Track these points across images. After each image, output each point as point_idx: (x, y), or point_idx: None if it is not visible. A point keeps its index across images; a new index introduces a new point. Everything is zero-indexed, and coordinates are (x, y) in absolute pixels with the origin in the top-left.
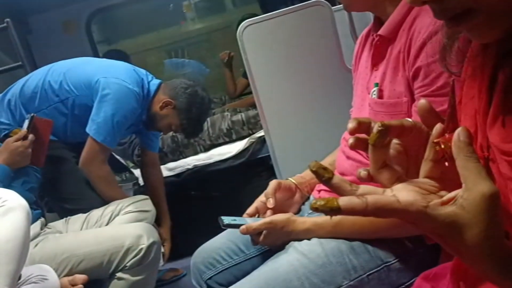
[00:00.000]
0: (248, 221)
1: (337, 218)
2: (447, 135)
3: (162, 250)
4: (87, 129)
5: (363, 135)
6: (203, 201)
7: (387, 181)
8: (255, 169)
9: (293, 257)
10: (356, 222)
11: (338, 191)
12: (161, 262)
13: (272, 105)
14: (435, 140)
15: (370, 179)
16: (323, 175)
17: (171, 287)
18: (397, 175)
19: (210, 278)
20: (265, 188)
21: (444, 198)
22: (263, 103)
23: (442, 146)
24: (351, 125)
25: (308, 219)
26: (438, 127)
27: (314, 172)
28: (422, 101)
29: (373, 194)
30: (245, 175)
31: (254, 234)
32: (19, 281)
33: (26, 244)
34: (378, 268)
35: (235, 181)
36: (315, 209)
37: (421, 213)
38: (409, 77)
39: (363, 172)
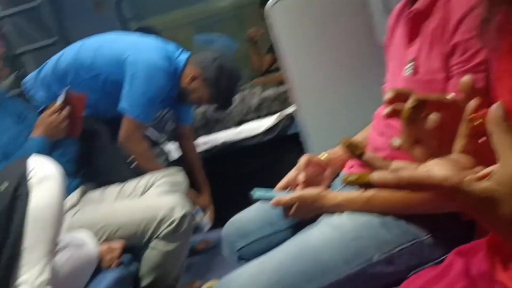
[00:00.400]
0: (279, 194)
1: (369, 194)
2: (482, 111)
3: (206, 216)
4: (121, 107)
5: (400, 105)
6: (232, 177)
7: (420, 157)
8: (284, 145)
9: (324, 230)
10: (389, 199)
11: (370, 166)
12: (207, 226)
13: (303, 82)
14: (470, 116)
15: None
16: (355, 151)
17: (203, 257)
18: (430, 151)
19: (241, 249)
20: (294, 164)
21: (479, 174)
22: (293, 79)
23: (478, 122)
24: (388, 94)
25: (339, 194)
26: (472, 102)
27: (346, 147)
28: (466, 77)
29: (407, 169)
30: (274, 151)
31: (285, 207)
32: (59, 246)
33: (62, 211)
34: (410, 243)
35: (264, 157)
36: (348, 183)
37: (455, 189)
38: (446, 53)
39: (397, 141)
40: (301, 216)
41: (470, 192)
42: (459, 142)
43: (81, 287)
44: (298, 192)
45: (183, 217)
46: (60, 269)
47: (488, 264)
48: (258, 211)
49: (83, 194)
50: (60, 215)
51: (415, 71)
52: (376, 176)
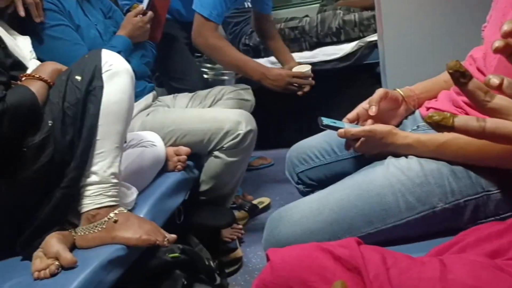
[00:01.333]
0: (347, 125)
1: (443, 138)
2: None
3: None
4: (193, 6)
5: None
6: (300, 99)
7: None
8: (359, 74)
9: (390, 172)
10: (463, 147)
11: (471, 98)
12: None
13: (393, 8)
14: None
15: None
16: (459, 78)
17: (259, 173)
18: None
19: (301, 172)
20: (366, 96)
21: None
22: (383, 3)
23: None
24: (507, 26)
25: (410, 135)
26: None
27: (451, 74)
28: None
29: (494, 119)
30: (348, 79)
31: (351, 139)
32: (131, 143)
33: (131, 107)
34: (477, 196)
35: (336, 84)
36: (429, 123)
37: None
38: None
39: (493, 80)
40: (367, 151)
41: None
42: None
43: (146, 183)
44: (369, 126)
45: (247, 133)
46: (130, 164)
47: None
48: (322, 139)
49: (156, 97)
50: (130, 110)
51: None
52: (461, 120)
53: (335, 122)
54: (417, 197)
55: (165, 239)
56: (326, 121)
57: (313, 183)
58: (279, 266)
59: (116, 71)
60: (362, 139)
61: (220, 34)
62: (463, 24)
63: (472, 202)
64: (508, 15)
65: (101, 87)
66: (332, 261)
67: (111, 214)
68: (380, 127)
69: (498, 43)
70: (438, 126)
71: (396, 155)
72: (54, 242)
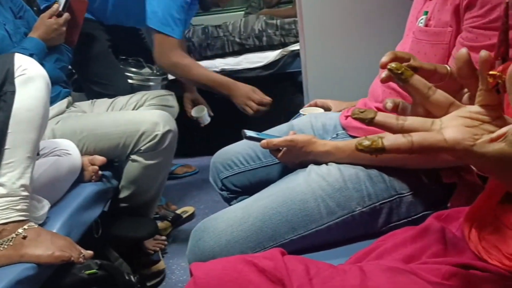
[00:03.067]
0: (270, 137)
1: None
2: (501, 67)
3: (205, 111)
4: (149, 23)
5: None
6: (225, 106)
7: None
8: (282, 82)
9: (312, 178)
10: None
11: (385, 128)
12: (207, 121)
13: (314, 19)
14: (490, 72)
15: (395, 110)
16: (365, 118)
17: (183, 181)
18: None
19: (226, 178)
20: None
21: (494, 135)
22: (305, 13)
23: (494, 79)
24: (385, 58)
25: (328, 142)
26: (484, 54)
27: (355, 119)
28: (463, 50)
29: (419, 132)
30: (271, 87)
31: (274, 149)
32: (43, 152)
33: (46, 114)
34: (391, 198)
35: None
36: (360, 150)
37: (468, 151)
38: (460, 6)
39: (388, 104)
40: (289, 160)
41: (483, 154)
42: (479, 96)
43: (60, 195)
44: (289, 137)
45: (166, 133)
46: (41, 174)
47: (464, 233)
48: (247, 146)
49: (71, 103)
50: (44, 118)
51: (426, 23)
52: (388, 141)
53: (258, 134)
54: (337, 202)
55: (81, 255)
56: (249, 133)
57: (237, 189)
58: (203, 281)
59: (30, 77)
60: (284, 149)
61: (182, 50)
62: (385, 34)
63: (387, 204)
64: (411, 29)
65: (13, 93)
66: (256, 273)
67: (20, 230)
68: (300, 137)
69: (383, 76)
70: (370, 150)
71: (317, 163)
72: None
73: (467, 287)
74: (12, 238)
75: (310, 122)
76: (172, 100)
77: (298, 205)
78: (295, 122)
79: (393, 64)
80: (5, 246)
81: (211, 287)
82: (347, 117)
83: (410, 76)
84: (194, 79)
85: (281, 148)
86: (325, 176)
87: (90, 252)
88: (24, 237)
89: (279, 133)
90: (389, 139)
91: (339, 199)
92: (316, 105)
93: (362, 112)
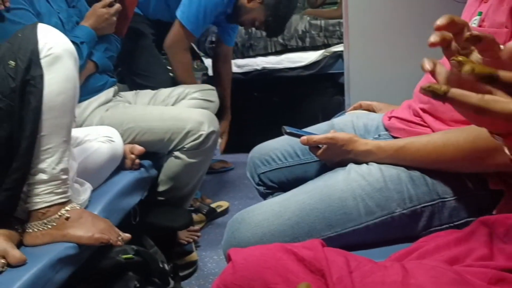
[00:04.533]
0: (311, 134)
1: (402, 143)
2: None
3: (219, 142)
4: (178, 14)
5: (449, 34)
6: (264, 104)
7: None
8: (323, 83)
9: (351, 177)
10: (420, 149)
11: (462, 102)
12: (218, 152)
13: (359, 21)
14: None
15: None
16: (438, 90)
17: (218, 177)
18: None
19: (263, 173)
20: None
21: None
22: (351, 16)
23: None
24: (441, 20)
25: (370, 141)
26: None
27: (425, 94)
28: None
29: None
30: (311, 87)
31: (313, 146)
32: (88, 138)
33: (77, 94)
34: (433, 202)
35: (300, 91)
36: (424, 91)
37: None
38: None
39: (427, 66)
40: (328, 159)
41: None
42: None
43: (101, 181)
44: (331, 134)
45: (210, 134)
46: (85, 159)
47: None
48: (286, 142)
49: (117, 93)
50: (75, 100)
51: (480, 23)
52: (457, 90)
53: (298, 131)
54: (377, 202)
55: (119, 238)
56: (289, 129)
57: (274, 185)
58: (242, 266)
59: (57, 56)
60: (324, 146)
61: (189, 54)
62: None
63: (429, 208)
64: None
65: (41, 76)
66: (295, 262)
67: (63, 211)
68: (341, 135)
69: (433, 38)
70: (434, 91)
71: (357, 163)
72: (0, 240)
73: None
74: (55, 218)
75: (352, 122)
76: (213, 95)
77: (337, 202)
78: (336, 121)
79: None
80: (49, 226)
81: (250, 272)
82: (390, 118)
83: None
84: (178, 75)
85: (320, 146)
86: (365, 176)
87: (128, 235)
88: (67, 218)
89: (318, 132)
90: (458, 90)
91: (379, 199)
92: (360, 107)
93: (439, 87)
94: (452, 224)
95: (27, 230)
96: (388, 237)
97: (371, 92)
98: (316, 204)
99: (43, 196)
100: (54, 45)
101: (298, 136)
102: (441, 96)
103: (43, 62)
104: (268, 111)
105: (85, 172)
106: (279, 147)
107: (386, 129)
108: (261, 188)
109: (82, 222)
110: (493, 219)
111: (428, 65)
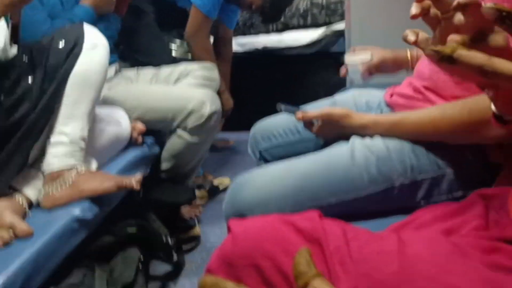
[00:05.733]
0: (306, 109)
1: (398, 116)
2: None
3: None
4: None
5: (428, 3)
6: (265, 82)
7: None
8: (324, 61)
9: (356, 148)
10: (417, 122)
11: (469, 64)
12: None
13: None
14: None
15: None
16: (444, 50)
17: (220, 154)
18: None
19: (264, 149)
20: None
21: None
22: None
23: None
24: None
25: (365, 116)
26: None
27: (428, 55)
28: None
29: None
30: (313, 65)
31: (309, 122)
32: (96, 118)
33: (104, 79)
34: (434, 174)
35: (301, 69)
36: (428, 53)
37: None
38: None
39: (409, 37)
40: (324, 134)
41: None
42: None
43: (105, 161)
44: (326, 109)
45: (212, 113)
46: (95, 138)
47: (509, 210)
48: (286, 119)
49: (118, 71)
50: (103, 81)
51: None
52: (464, 51)
53: (293, 108)
54: (380, 171)
55: (132, 180)
56: (285, 106)
57: (275, 161)
58: (241, 237)
59: (96, 44)
60: (319, 121)
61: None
62: None
63: (429, 180)
64: None
65: (79, 53)
66: (294, 233)
67: (76, 172)
68: (336, 110)
69: (414, 10)
70: (440, 52)
71: (358, 136)
72: (7, 213)
73: (509, 261)
74: (70, 177)
75: (354, 99)
76: (215, 73)
77: (341, 170)
78: (338, 97)
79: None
80: (66, 186)
81: (249, 243)
82: (392, 95)
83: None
84: (199, 58)
85: (316, 122)
86: (369, 146)
87: (139, 175)
88: (80, 176)
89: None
90: (464, 50)
91: (382, 168)
92: (354, 51)
93: (443, 48)
94: (450, 196)
95: (44, 193)
96: (387, 207)
97: None
98: (320, 170)
99: (61, 158)
100: (94, 37)
101: (294, 112)
102: (447, 57)
103: (85, 45)
104: (269, 90)
105: (90, 151)
106: (281, 124)
107: (388, 106)
108: (263, 163)
109: (95, 176)
110: (490, 192)
111: (411, 37)
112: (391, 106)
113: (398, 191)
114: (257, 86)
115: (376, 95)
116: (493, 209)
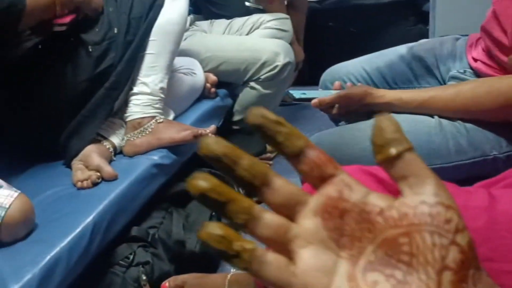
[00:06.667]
0: (319, 94)
1: (426, 96)
2: None
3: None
4: None
5: None
6: (340, 35)
7: None
8: (403, 11)
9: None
10: (449, 103)
11: None
12: None
13: None
14: None
15: None
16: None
17: (291, 108)
18: None
19: None
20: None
21: None
22: None
23: None
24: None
25: (387, 93)
26: None
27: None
28: None
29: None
30: (391, 16)
31: (327, 108)
32: (172, 69)
33: (183, 31)
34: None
35: (378, 19)
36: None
37: None
38: None
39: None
40: (347, 116)
41: None
42: None
43: (181, 110)
44: (343, 91)
45: (286, 65)
46: (172, 89)
47: None
48: (360, 64)
49: (193, 22)
50: (182, 33)
51: None
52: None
53: (305, 94)
54: (470, 142)
55: (208, 130)
56: (296, 94)
57: None
58: None
59: None
60: (337, 105)
61: None
62: None
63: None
64: None
65: (162, 4)
66: (375, 184)
67: (154, 120)
68: (354, 90)
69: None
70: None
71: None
72: (95, 156)
73: None
74: (150, 125)
75: (433, 49)
76: (287, 24)
77: (424, 137)
78: (415, 46)
79: None
80: (146, 133)
81: None
82: (476, 60)
83: None
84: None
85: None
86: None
87: (213, 127)
88: (159, 126)
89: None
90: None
91: (472, 138)
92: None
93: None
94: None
95: (126, 140)
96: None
97: (461, 20)
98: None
99: (142, 107)
100: None
101: (308, 100)
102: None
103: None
104: (344, 42)
105: (168, 100)
106: (353, 71)
107: (471, 68)
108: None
109: (173, 125)
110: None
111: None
112: (477, 70)
113: (491, 165)
114: (331, 38)
115: (460, 45)
116: None
